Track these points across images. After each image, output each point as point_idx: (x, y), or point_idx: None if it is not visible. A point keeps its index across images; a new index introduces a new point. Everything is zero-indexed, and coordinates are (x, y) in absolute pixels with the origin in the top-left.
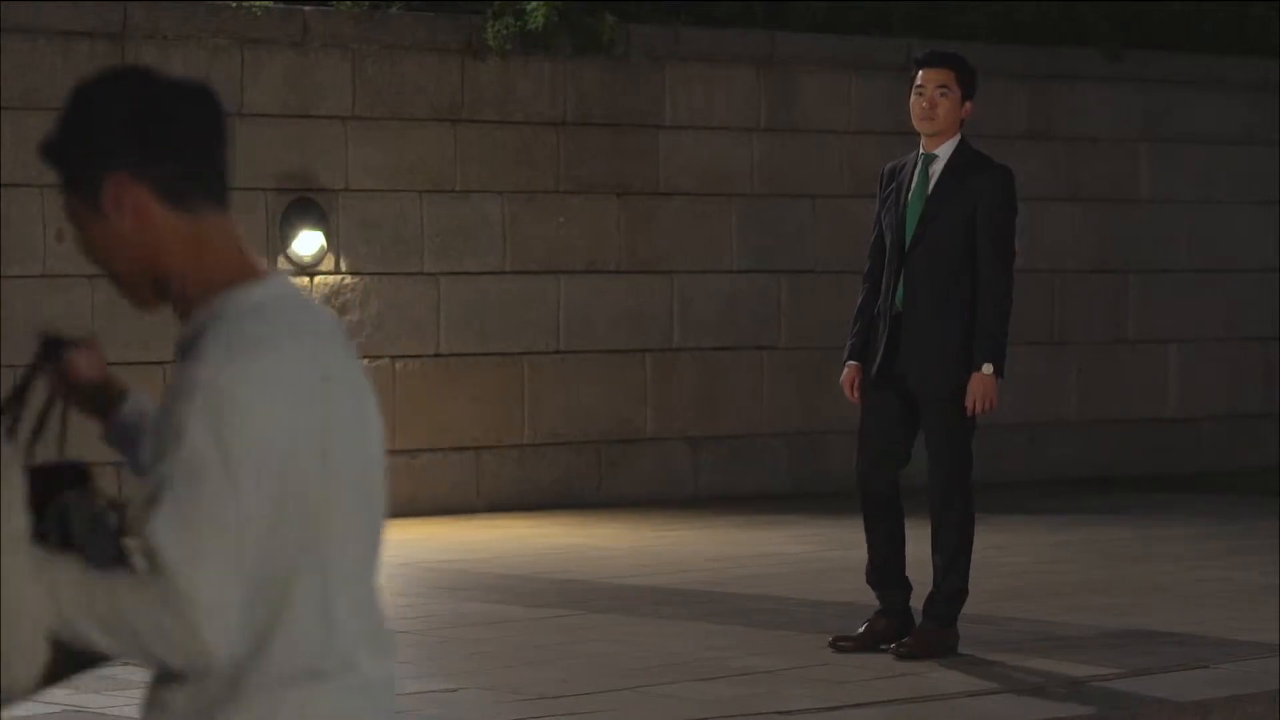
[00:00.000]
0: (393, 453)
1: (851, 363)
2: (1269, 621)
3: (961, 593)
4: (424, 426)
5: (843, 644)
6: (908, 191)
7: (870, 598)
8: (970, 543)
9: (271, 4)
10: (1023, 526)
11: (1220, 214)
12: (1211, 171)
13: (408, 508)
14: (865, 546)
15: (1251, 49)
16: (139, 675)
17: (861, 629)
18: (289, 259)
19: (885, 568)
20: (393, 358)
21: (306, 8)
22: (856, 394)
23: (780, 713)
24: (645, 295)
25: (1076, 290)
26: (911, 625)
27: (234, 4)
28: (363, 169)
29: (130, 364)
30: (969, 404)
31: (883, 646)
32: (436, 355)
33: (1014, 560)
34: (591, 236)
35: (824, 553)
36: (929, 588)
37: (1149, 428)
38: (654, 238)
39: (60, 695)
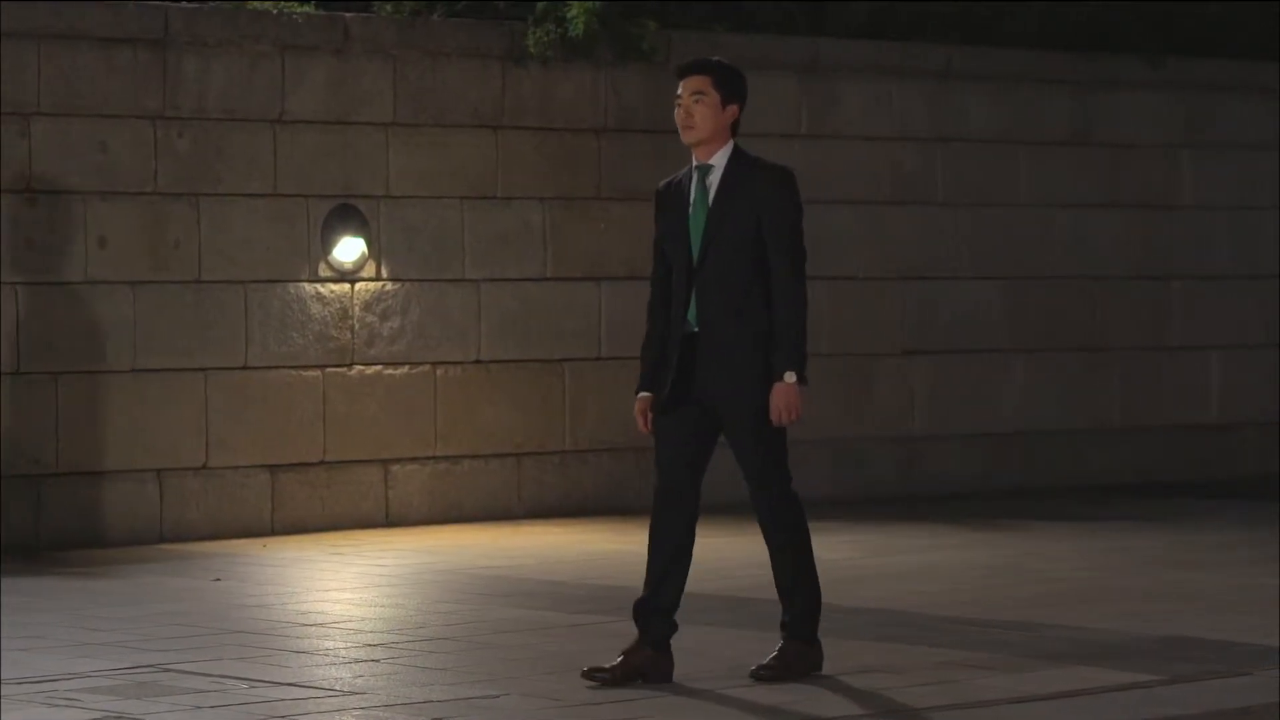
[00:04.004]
0: (434, 459)
1: (643, 394)
2: None
3: (815, 604)
4: (465, 433)
5: (599, 676)
6: (688, 206)
7: (915, 603)
8: (809, 552)
9: (313, 10)
10: (1063, 533)
11: (1261, 220)
12: (1252, 177)
13: (449, 514)
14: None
15: None
16: (181, 683)
17: (618, 661)
18: (330, 266)
19: (657, 596)
20: (434, 364)
21: (348, 14)
22: (649, 426)
23: (819, 719)
24: None
25: (1117, 297)
26: (668, 654)
27: (275, 10)
28: (404, 175)
29: (170, 370)
30: (773, 415)
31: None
32: (477, 361)
33: (1053, 567)
34: (632, 243)
35: (862, 559)
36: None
37: (1190, 434)
38: None
39: (102, 701)
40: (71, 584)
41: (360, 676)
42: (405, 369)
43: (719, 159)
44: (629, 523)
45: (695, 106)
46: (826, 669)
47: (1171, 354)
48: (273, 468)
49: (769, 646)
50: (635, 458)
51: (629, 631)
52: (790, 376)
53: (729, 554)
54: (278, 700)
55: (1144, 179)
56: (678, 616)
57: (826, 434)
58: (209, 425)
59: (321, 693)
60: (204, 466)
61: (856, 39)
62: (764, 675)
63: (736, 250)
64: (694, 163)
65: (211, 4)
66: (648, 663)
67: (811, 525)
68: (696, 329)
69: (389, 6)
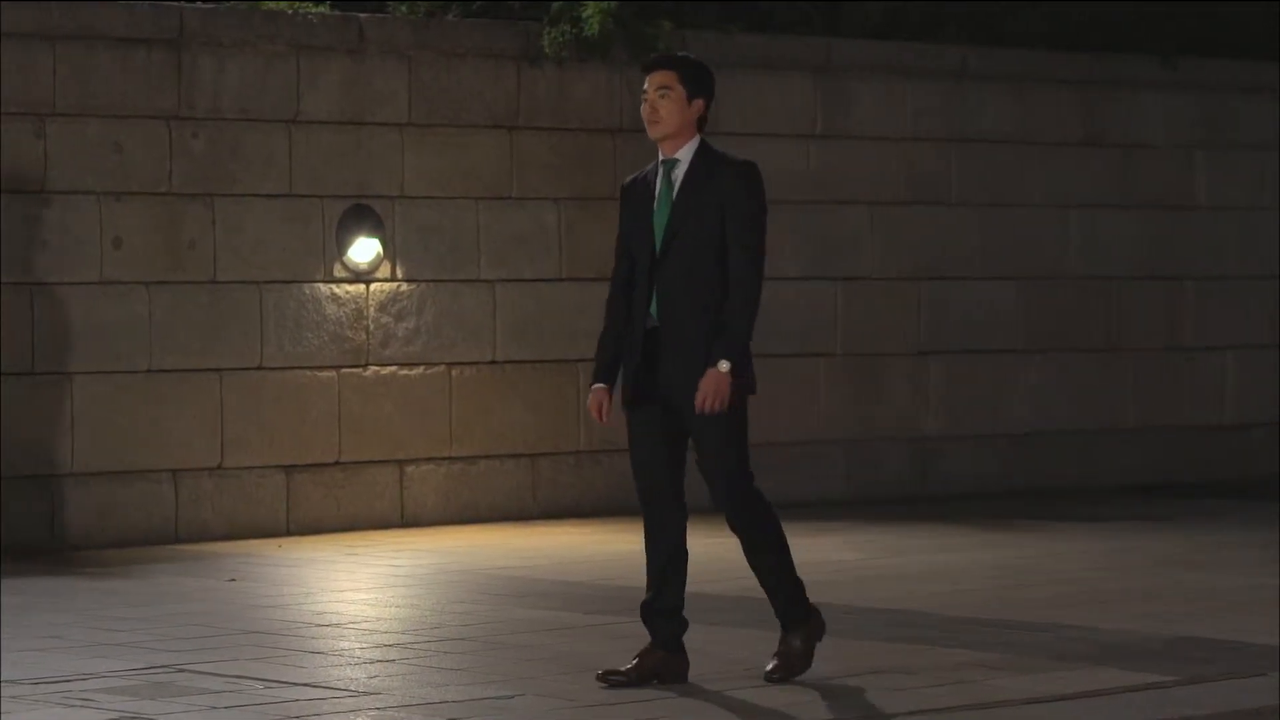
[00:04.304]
0: (449, 459)
1: (599, 385)
2: None
3: (796, 590)
4: (480, 433)
5: (614, 678)
6: (653, 201)
7: (929, 603)
8: (783, 541)
9: (328, 11)
10: (1076, 533)
11: (1275, 220)
12: (1266, 178)
13: (464, 514)
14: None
15: None
16: (196, 683)
17: (632, 663)
18: (345, 266)
19: (660, 598)
20: (449, 365)
21: (363, 15)
22: (606, 418)
23: None
24: None
25: (1131, 297)
26: (683, 655)
27: (290, 11)
28: (419, 176)
29: (185, 371)
30: (698, 400)
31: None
32: (493, 362)
33: (1068, 567)
34: None
35: (878, 559)
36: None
37: (1204, 435)
38: None
39: (117, 701)
40: (86, 584)
41: (375, 677)
42: (420, 369)
43: (685, 154)
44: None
45: (661, 101)
46: (840, 669)
47: (1185, 354)
48: (288, 468)
49: (773, 647)
50: None
51: (643, 632)
52: (724, 365)
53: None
54: (293, 701)
55: (1158, 179)
56: (689, 615)
57: (840, 434)
58: (224, 425)
59: (337, 693)
60: (219, 467)
61: (871, 39)
62: (774, 678)
63: (700, 245)
64: (660, 158)
65: (226, 4)
66: (661, 664)
67: (825, 525)
68: (658, 324)
69: (404, 7)
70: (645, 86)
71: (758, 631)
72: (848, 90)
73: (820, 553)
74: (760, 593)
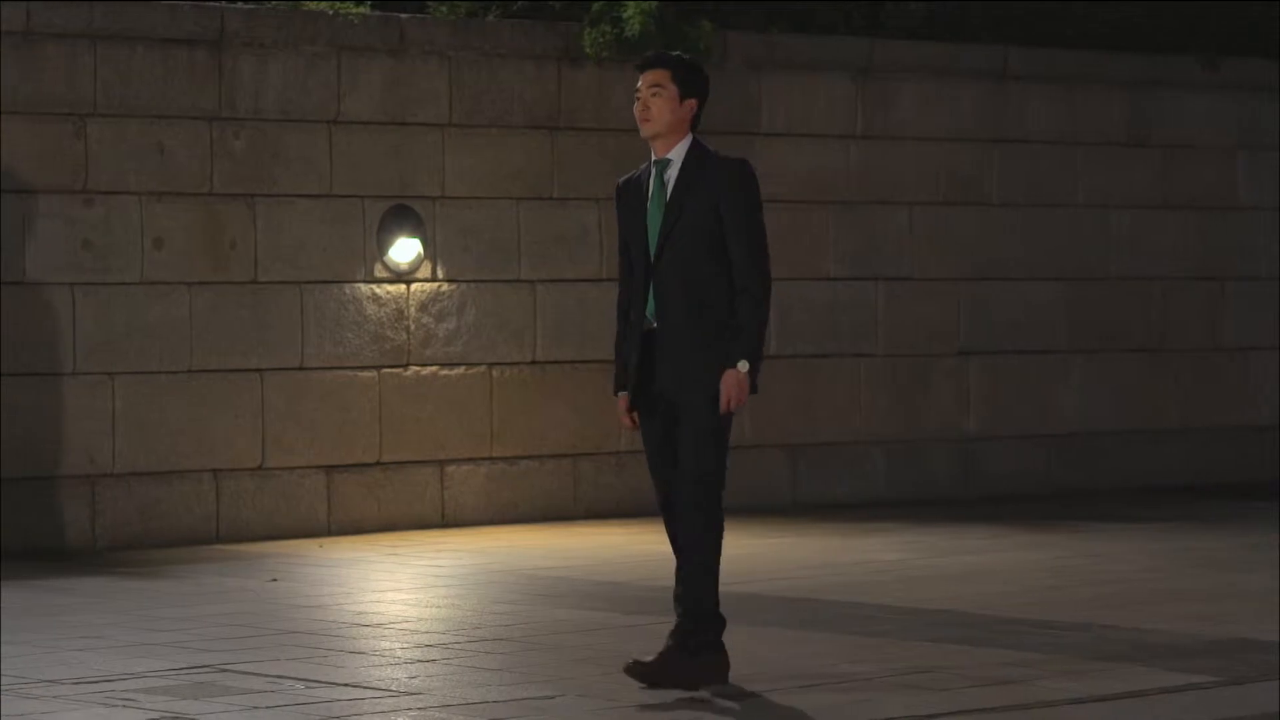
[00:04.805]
0: (491, 459)
1: (624, 393)
2: None
3: (710, 617)
4: (521, 434)
5: (640, 669)
6: (646, 202)
7: (973, 604)
8: (715, 569)
9: (369, 11)
10: (1120, 534)
11: None
12: None
13: (506, 514)
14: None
15: None
16: (238, 683)
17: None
18: (386, 267)
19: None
20: (490, 365)
21: (403, 15)
22: (636, 424)
23: None
24: None
25: (1174, 297)
26: (724, 655)
27: (331, 11)
28: (460, 176)
29: (227, 371)
30: (723, 401)
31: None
32: (534, 362)
33: (1111, 568)
34: None
35: (921, 560)
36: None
37: (1246, 435)
38: None
39: (159, 701)
40: (128, 584)
41: (416, 677)
42: (461, 370)
43: (676, 153)
44: None
45: (653, 100)
46: (883, 669)
47: (1229, 355)
48: (329, 468)
49: (829, 647)
50: None
51: None
52: (744, 365)
53: (788, 555)
54: (334, 701)
55: (1200, 180)
56: (731, 615)
57: (883, 435)
58: (265, 426)
59: (378, 693)
60: (260, 467)
61: (912, 40)
62: (637, 670)
63: (694, 245)
64: (652, 157)
65: (267, 5)
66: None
67: (866, 526)
68: (655, 325)
69: (444, 7)
70: (638, 85)
71: (802, 632)
72: (889, 91)
73: (863, 553)
74: (800, 591)
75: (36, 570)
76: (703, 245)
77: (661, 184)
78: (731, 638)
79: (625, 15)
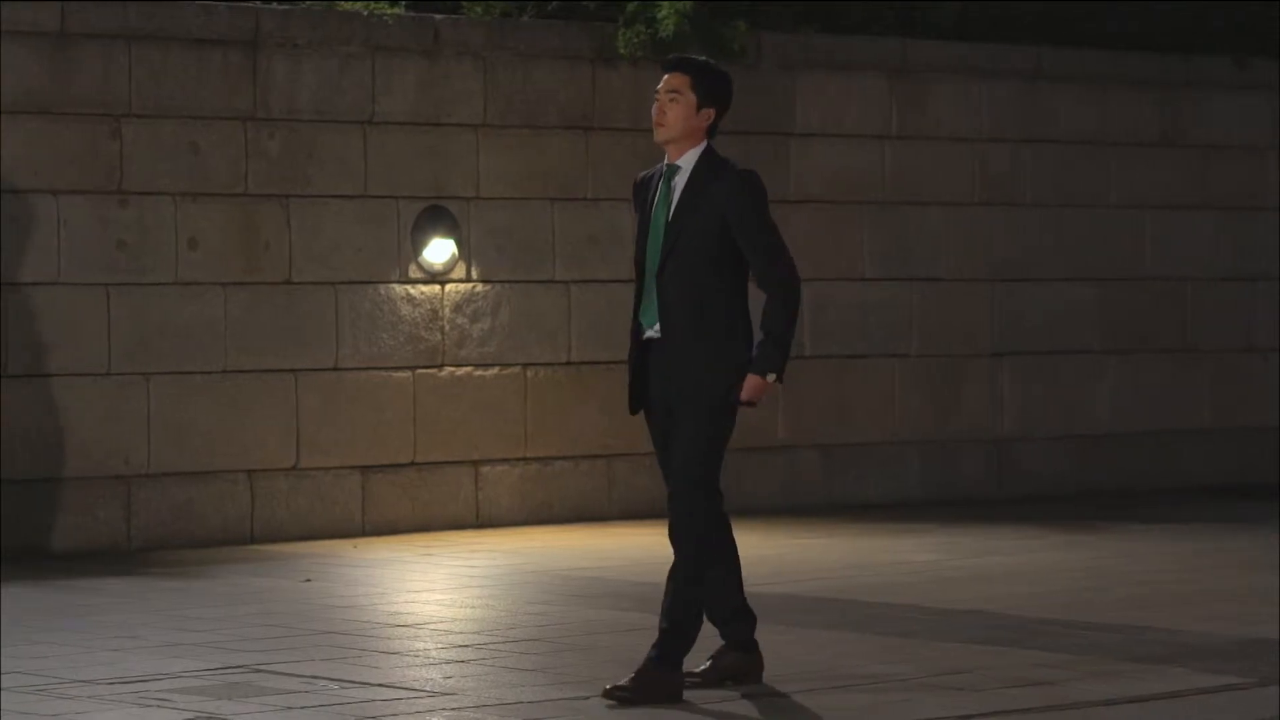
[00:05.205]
0: (525, 460)
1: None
2: None
3: (690, 630)
4: (556, 434)
5: (691, 679)
6: (652, 206)
7: (1007, 605)
8: (703, 578)
9: (403, 12)
10: (1154, 535)
11: None
12: None
13: (540, 515)
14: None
15: None
16: (272, 683)
17: (705, 665)
18: (420, 267)
19: (719, 601)
20: (524, 365)
21: (438, 16)
22: None
23: None
24: None
25: (1207, 298)
26: (757, 655)
27: (365, 12)
28: (494, 177)
29: (261, 371)
30: (743, 394)
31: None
32: (568, 363)
33: (1145, 568)
34: None
35: (954, 561)
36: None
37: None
38: None
39: (193, 701)
40: (162, 584)
41: (451, 677)
42: (495, 370)
43: (687, 160)
44: None
45: (669, 106)
46: (918, 670)
47: (1262, 355)
48: (363, 468)
49: (861, 647)
50: (726, 459)
51: (718, 632)
52: (771, 377)
53: (820, 555)
54: (368, 701)
55: (1232, 180)
56: (766, 615)
57: (916, 435)
58: (300, 426)
59: (412, 693)
60: (295, 467)
61: (946, 40)
62: (619, 696)
63: (697, 255)
64: (665, 161)
65: (302, 5)
66: (736, 665)
67: (900, 526)
68: (658, 335)
69: (479, 8)
70: (658, 86)
71: (835, 633)
72: (923, 91)
73: (898, 554)
74: (833, 592)
75: (71, 570)
76: (706, 256)
77: (668, 190)
78: (765, 638)
79: (659, 15)
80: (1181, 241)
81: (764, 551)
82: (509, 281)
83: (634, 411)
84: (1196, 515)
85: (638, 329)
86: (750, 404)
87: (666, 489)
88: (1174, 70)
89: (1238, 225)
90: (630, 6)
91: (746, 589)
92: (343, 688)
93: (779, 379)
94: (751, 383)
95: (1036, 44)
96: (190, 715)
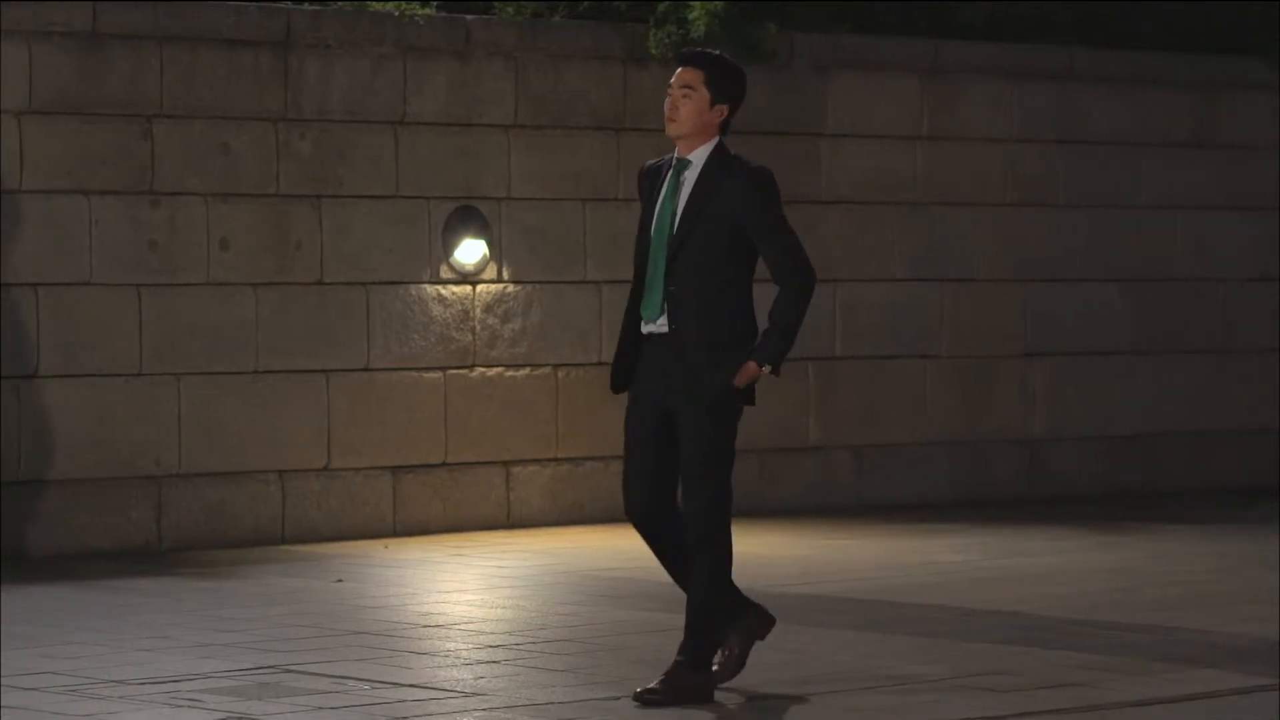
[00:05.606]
0: (556, 460)
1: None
2: None
3: (716, 629)
4: (587, 434)
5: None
6: (659, 197)
7: (1038, 606)
8: (726, 573)
9: (434, 13)
10: (1186, 535)
11: None
12: None
13: (571, 515)
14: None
15: None
16: (303, 684)
17: (721, 657)
18: (452, 268)
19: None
20: (555, 366)
21: (469, 17)
22: None
23: None
24: None
25: (1240, 299)
26: (752, 613)
27: (397, 13)
28: (525, 177)
29: (292, 372)
30: (739, 381)
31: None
32: (599, 363)
33: (1177, 569)
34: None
35: (985, 561)
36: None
37: None
38: (816, 246)
39: (224, 702)
40: (193, 585)
41: (482, 678)
42: (526, 370)
43: (698, 156)
44: (751, 525)
45: (682, 101)
46: (949, 671)
47: None
48: (394, 469)
49: (893, 648)
50: (757, 460)
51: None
52: (766, 369)
53: (852, 556)
54: (399, 701)
55: (1265, 181)
56: (788, 616)
57: (946, 436)
58: (331, 426)
59: (443, 694)
60: (326, 468)
61: (977, 40)
62: (649, 699)
63: (706, 253)
64: (675, 155)
65: (333, 6)
66: (744, 641)
67: (931, 527)
68: (664, 330)
69: (510, 8)
70: (672, 79)
71: (867, 633)
72: (954, 91)
73: (929, 555)
74: (864, 592)
75: (102, 571)
76: (715, 254)
77: (677, 184)
78: (795, 639)
79: (691, 16)
80: (1213, 242)
81: (794, 552)
82: (540, 282)
83: (617, 390)
84: (1227, 516)
85: (633, 321)
86: (739, 391)
87: (625, 490)
88: (1206, 70)
89: (1270, 226)
90: (661, 7)
91: (781, 589)
92: (374, 688)
93: (775, 371)
94: (746, 369)
95: (1068, 44)
96: (221, 715)
